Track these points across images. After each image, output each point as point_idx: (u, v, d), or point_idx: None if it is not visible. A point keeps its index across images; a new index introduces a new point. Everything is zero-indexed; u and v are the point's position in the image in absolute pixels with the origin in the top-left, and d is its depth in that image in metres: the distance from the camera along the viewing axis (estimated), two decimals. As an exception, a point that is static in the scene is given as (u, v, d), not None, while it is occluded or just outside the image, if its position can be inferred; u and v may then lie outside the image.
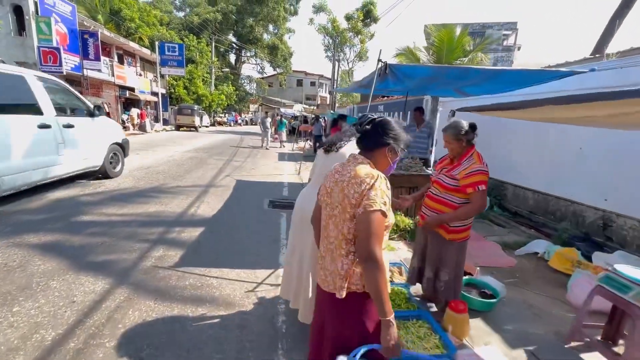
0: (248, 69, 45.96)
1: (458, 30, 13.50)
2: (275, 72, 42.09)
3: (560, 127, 4.56)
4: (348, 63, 25.36)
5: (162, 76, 23.91)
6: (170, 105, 25.58)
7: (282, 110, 31.00)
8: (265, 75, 43.67)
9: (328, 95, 46.64)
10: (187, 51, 26.81)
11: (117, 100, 19.52)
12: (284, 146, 14.81)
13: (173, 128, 22.23)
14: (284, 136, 15.46)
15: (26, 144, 4.13)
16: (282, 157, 11.49)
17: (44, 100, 4.50)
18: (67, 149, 4.80)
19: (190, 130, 21.97)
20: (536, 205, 4.98)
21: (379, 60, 3.12)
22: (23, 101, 4.29)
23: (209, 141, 14.91)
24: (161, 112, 22.53)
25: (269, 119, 13.72)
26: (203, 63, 29.05)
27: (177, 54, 22.52)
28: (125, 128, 18.12)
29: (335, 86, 21.02)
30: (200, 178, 6.89)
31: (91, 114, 5.51)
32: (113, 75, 18.16)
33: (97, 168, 5.76)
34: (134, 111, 18.80)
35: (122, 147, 6.40)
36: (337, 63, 21.15)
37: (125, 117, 19.28)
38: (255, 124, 40.70)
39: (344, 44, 23.43)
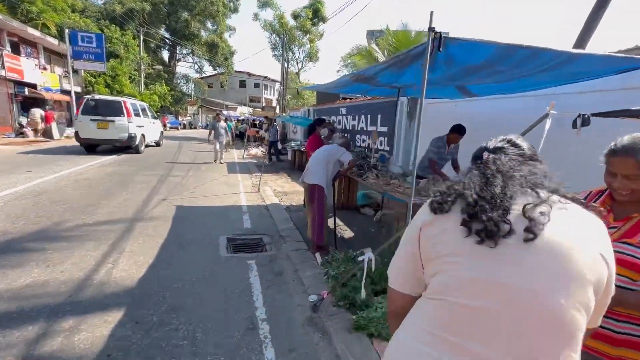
0: (184, 68, 42.10)
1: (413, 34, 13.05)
2: (215, 72, 38.98)
3: (602, 131, 3.80)
4: (297, 63, 24.06)
5: (76, 71, 20.03)
6: (88, 107, 21.59)
7: (225, 112, 28.48)
8: (204, 75, 40.25)
9: (274, 97, 44.89)
10: (109, 44, 23.01)
11: (11, 99, 15.54)
12: (228, 150, 12.84)
13: (92, 133, 18.57)
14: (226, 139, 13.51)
15: (149, 127, 12.03)
16: (232, 167, 9.66)
17: (149, 113, 12.52)
18: (152, 131, 12.50)
19: (114, 136, 18.60)
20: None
21: (431, 29, 1.84)
22: (147, 113, 12.21)
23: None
24: (76, 115, 18.69)
25: (222, 124, 10.08)
26: (129, 58, 25.23)
27: (94, 45, 18.94)
28: (22, 134, 14.41)
29: (284, 87, 19.54)
30: (122, 207, 4.92)
31: (155, 118, 13.60)
32: (3, 67, 14.31)
33: (157, 140, 13.48)
34: (36, 112, 15.03)
35: (162, 132, 14.46)
36: (286, 63, 19.71)
37: (23, 120, 15.41)
38: (195, 128, 37.29)
39: (293, 43, 22.07)
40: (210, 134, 10.00)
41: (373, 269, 2.35)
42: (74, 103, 18.20)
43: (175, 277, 2.96)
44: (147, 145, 12.22)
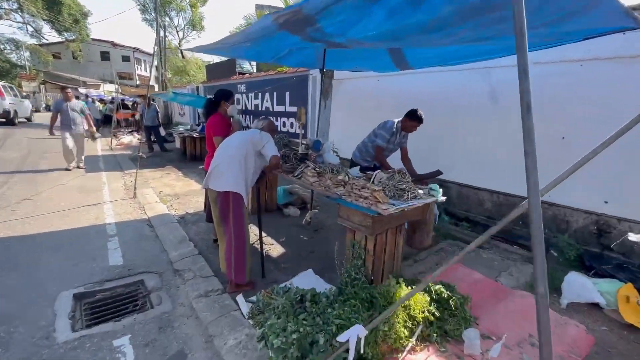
0: (10, 29, 31.22)
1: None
2: (62, 39, 30.17)
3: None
4: (178, 32, 20.08)
5: None
6: None
7: (83, 90, 22.31)
8: (45, 41, 30.72)
9: (152, 75, 38.06)
10: None
11: None
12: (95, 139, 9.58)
13: None
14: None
15: (21, 105, 14.23)
16: (93, 163, 7.02)
17: (19, 94, 14.81)
18: (22, 107, 14.40)
19: None
20: (496, 209, 4.01)
21: None
22: (17, 94, 14.52)
23: None
24: None
25: (75, 103, 6.22)
26: None
27: None
28: None
29: (161, 56, 15.90)
30: None
31: (24, 97, 15.68)
32: None
33: (28, 116, 15.13)
34: None
35: (32, 110, 16.03)
36: (162, 30, 16.05)
37: None
38: (37, 110, 28.55)
39: (169, 6, 18.16)
40: (53, 121, 6.06)
41: (362, 351, 1.32)
42: None
43: None
44: (20, 122, 14.10)
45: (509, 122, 3.76)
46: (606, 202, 3.14)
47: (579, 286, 2.57)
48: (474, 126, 4.10)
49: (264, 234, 3.53)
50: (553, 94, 3.39)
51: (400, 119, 3.49)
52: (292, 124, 7.35)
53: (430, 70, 4.44)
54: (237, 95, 9.25)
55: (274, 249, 3.27)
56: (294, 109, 7.20)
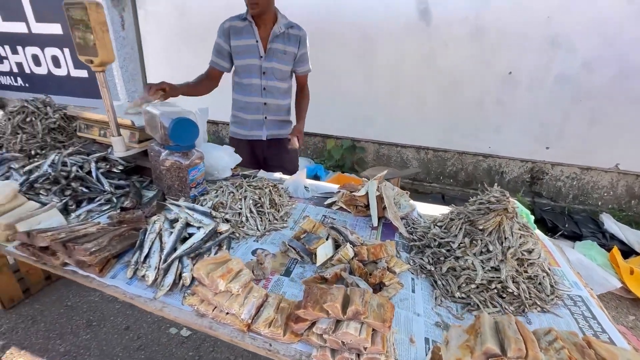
0: None
1: None
2: None
3: (468, 40, 2.64)
4: None
5: None
6: None
7: None
8: None
9: None
10: None
11: None
12: None
13: None
14: None
15: None
16: None
17: None
18: None
19: None
20: (425, 167, 3.18)
21: None
22: None
23: None
24: None
25: None
26: None
27: None
28: None
29: None
30: None
31: None
32: None
33: None
34: None
35: None
36: None
37: None
38: None
39: None
40: None
41: None
42: None
43: None
44: None
45: (440, 56, 2.74)
46: (547, 148, 2.80)
47: (589, 270, 2.11)
48: (394, 62, 2.88)
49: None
50: (497, 12, 2.52)
51: None
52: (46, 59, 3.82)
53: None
54: None
55: None
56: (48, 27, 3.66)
